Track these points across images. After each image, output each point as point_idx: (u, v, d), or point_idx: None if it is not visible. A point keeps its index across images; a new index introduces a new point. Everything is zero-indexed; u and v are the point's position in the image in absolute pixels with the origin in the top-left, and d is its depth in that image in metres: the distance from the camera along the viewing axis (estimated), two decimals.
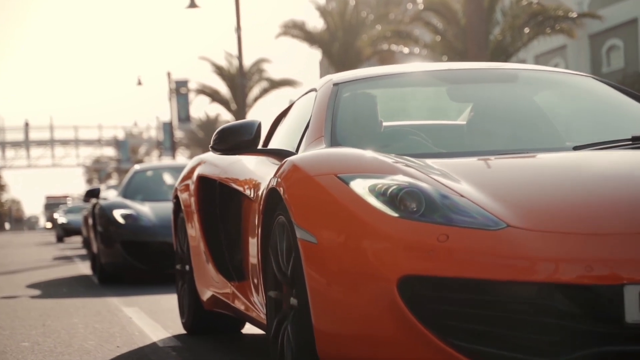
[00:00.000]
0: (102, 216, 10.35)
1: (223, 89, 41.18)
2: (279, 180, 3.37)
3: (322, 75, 52.70)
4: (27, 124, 71.11)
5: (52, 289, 9.76)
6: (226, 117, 52.38)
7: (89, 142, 73.66)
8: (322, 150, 3.50)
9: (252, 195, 4.19)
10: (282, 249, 3.37)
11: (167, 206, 10.05)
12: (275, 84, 40.26)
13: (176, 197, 5.50)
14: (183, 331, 5.63)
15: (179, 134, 52.39)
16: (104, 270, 10.25)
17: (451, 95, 4.51)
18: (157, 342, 5.17)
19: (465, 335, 2.82)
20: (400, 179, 3.07)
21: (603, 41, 28.99)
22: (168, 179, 11.75)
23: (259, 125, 4.13)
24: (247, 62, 40.55)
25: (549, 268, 2.77)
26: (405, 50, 25.23)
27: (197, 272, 5.09)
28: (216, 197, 4.93)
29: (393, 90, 4.66)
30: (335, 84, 4.23)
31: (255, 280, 3.99)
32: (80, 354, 4.77)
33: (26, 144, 71.53)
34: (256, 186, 4.15)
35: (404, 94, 4.81)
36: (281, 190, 3.32)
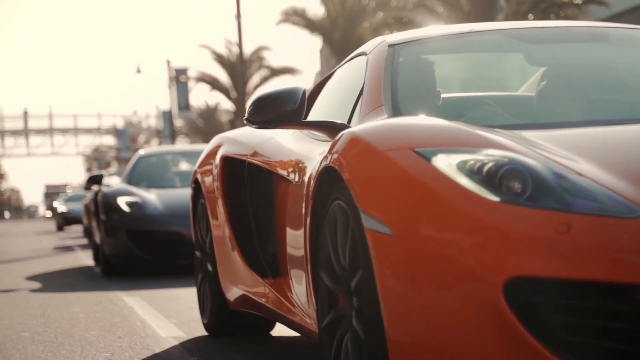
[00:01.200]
0: (105, 204, 9.73)
1: (223, 76, 41.09)
2: (337, 156, 2.78)
3: (322, 63, 52.53)
4: (26, 112, 71.01)
5: (53, 278, 9.65)
6: (226, 106, 52.26)
7: (88, 131, 73.57)
8: (391, 120, 2.87)
9: (293, 178, 3.59)
10: (343, 239, 2.81)
11: (175, 193, 9.73)
12: (275, 72, 40.16)
13: (195, 182, 4.87)
14: (186, 321, 5.50)
15: (178, 122, 52.27)
16: (107, 261, 9.63)
17: (530, 58, 3.79)
18: (159, 332, 5.05)
19: (595, 355, 2.22)
20: (497, 153, 2.44)
21: None
22: (175, 164, 11.22)
23: (304, 93, 3.46)
24: (247, 50, 40.43)
25: None
26: None
27: (221, 267, 4.46)
28: (244, 180, 4.28)
29: (454, 54, 3.96)
30: (391, 45, 3.59)
31: (295, 276, 3.45)
32: (81, 344, 4.65)
33: (25, 132, 71.45)
34: (298, 166, 3.56)
35: (465, 59, 4.08)
36: (340, 168, 2.73)
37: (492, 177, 2.36)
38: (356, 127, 2.87)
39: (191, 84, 43.58)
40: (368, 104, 3.36)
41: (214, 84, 41.15)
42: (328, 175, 2.89)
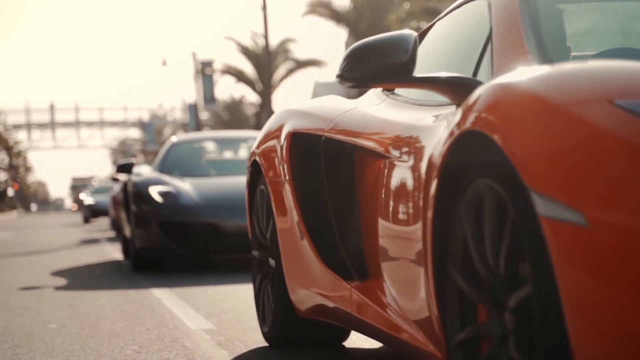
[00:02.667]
0: (136, 194, 8.91)
1: (248, 69, 41.10)
2: (484, 116, 2.03)
3: None
4: (52, 106, 71.47)
5: (80, 270, 9.58)
6: (251, 99, 52.26)
7: (114, 124, 74.00)
8: (565, 66, 2.06)
9: (396, 154, 2.84)
10: (493, 232, 2.13)
11: (211, 182, 9.14)
12: (301, 64, 40.09)
13: (253, 164, 4.08)
14: (215, 313, 5.38)
15: (204, 115, 52.35)
16: (138, 255, 8.84)
17: None
18: (188, 324, 4.94)
19: None
20: None
21: None
22: (209, 152, 10.54)
23: (415, 41, 2.67)
24: (273, 42, 40.38)
25: None
26: None
27: (288, 267, 3.68)
28: (320, 160, 3.47)
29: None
30: None
31: (394, 279, 2.79)
32: (109, 337, 4.54)
33: (52, 125, 71.94)
34: (405, 139, 2.83)
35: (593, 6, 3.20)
36: (492, 132, 1.98)
37: None
38: (508, 78, 2.10)
39: (217, 76, 43.61)
40: (506, 52, 2.64)
41: (240, 76, 41.15)
42: (466, 144, 2.17)
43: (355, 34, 32.42)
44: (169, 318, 5.23)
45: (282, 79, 39.82)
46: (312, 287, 3.49)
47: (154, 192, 8.81)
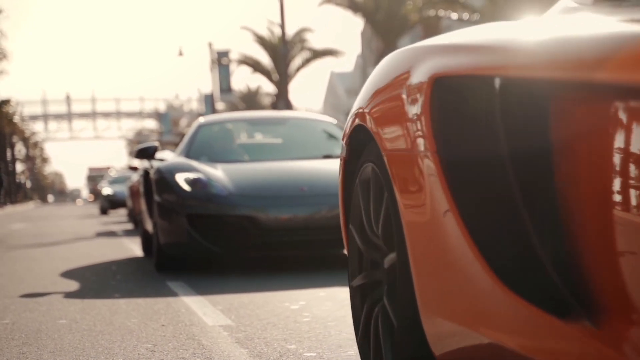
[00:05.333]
0: (160, 182, 7.65)
1: (265, 59, 40.91)
2: None
3: (363, 45, 52.05)
4: (68, 97, 71.55)
5: (95, 263, 9.38)
6: (268, 89, 52.05)
7: (130, 115, 74.11)
8: None
9: None
10: None
11: (245, 169, 7.82)
12: (317, 54, 39.83)
13: (355, 132, 2.80)
14: (233, 308, 5.14)
15: (220, 105, 52.20)
16: (162, 252, 7.64)
17: None
18: (205, 319, 4.71)
19: None
20: None
21: None
22: (242, 134, 9.14)
23: None
24: (289, 32, 40.16)
25: None
26: (454, 15, 24.59)
27: (425, 285, 2.27)
28: (495, 118, 1.96)
29: None
30: None
31: None
32: (122, 334, 4.32)
33: (68, 116, 72.05)
34: None
35: None
36: None
37: None
38: None
39: (233, 66, 43.47)
40: None
41: (256, 66, 40.96)
42: None
43: (372, 23, 32.14)
44: (184, 313, 5.00)
45: (298, 68, 39.58)
46: (483, 326, 2.02)
47: (181, 179, 7.56)
